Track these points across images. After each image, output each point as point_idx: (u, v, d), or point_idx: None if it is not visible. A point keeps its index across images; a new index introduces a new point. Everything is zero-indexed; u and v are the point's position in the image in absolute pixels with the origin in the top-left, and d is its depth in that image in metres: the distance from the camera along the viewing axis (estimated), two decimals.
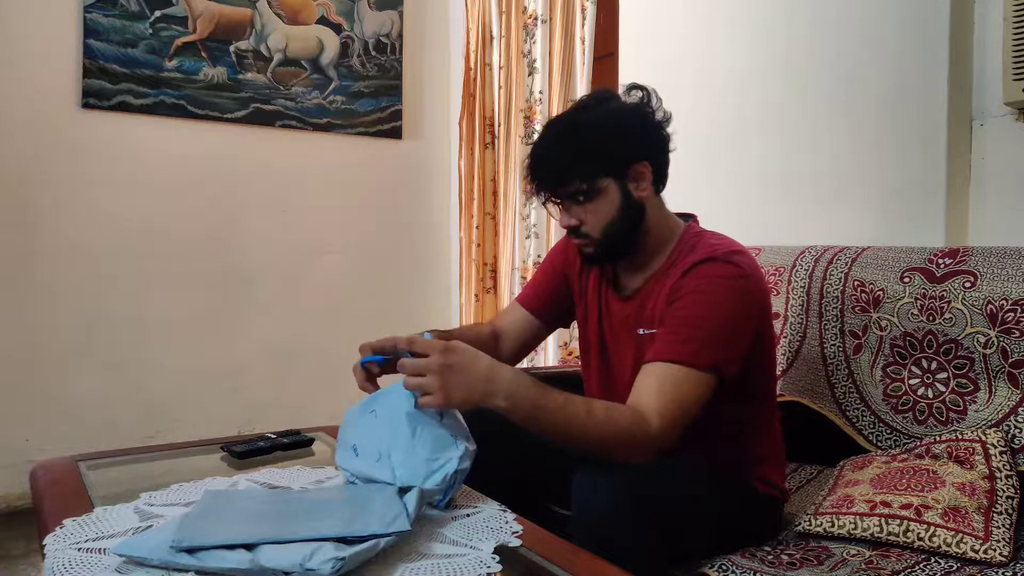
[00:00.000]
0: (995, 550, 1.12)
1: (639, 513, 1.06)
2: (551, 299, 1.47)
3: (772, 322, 1.35)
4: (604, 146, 1.23)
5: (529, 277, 2.82)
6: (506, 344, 1.48)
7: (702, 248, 1.25)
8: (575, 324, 1.51)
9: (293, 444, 1.43)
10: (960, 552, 1.13)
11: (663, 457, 1.13)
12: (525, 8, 2.89)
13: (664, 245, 1.30)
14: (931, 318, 1.39)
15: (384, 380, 1.19)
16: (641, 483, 1.09)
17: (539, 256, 2.79)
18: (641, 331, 1.28)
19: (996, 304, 1.31)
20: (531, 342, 1.51)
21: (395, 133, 3.35)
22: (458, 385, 1.05)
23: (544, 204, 1.31)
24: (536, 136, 1.31)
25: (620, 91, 1.30)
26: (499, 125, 3.04)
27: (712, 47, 2.21)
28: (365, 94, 3.27)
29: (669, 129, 1.30)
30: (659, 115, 1.28)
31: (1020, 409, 1.28)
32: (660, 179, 1.30)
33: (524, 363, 2.68)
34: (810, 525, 1.28)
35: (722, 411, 1.19)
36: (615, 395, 1.35)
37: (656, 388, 1.13)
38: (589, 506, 1.07)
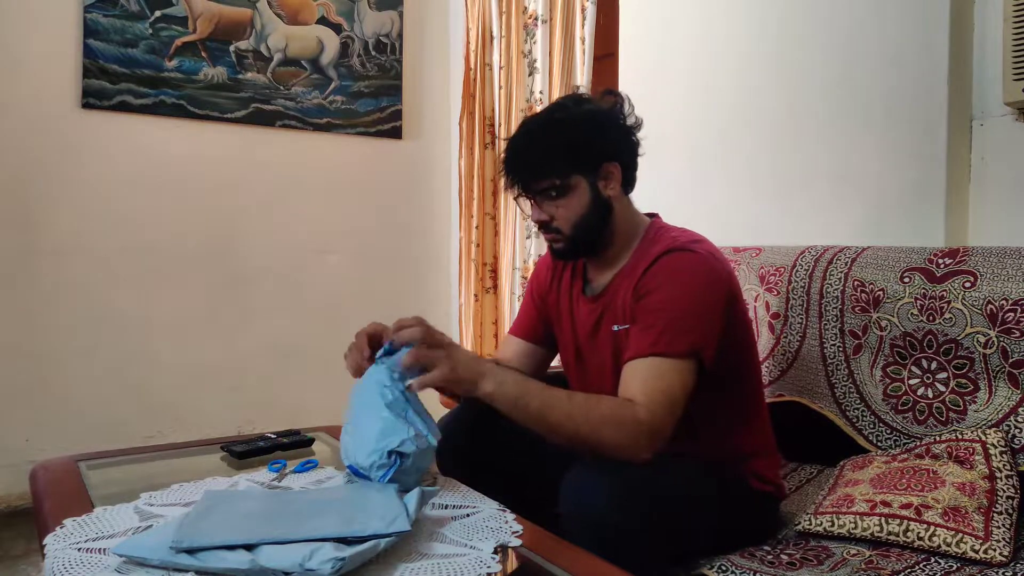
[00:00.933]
0: (995, 550, 1.12)
1: (628, 511, 1.06)
2: (536, 321, 1.49)
3: (744, 307, 1.36)
4: (578, 145, 1.27)
5: (529, 277, 2.83)
6: None
7: (663, 241, 1.28)
8: None
9: (293, 444, 1.43)
10: (960, 552, 1.13)
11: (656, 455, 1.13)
12: (525, 8, 2.89)
13: (630, 242, 1.34)
14: (931, 318, 1.39)
15: None
16: (631, 481, 1.09)
17: (539, 256, 2.79)
18: (615, 327, 1.30)
19: (996, 304, 1.31)
20: (535, 369, 1.50)
21: (395, 133, 3.35)
22: (461, 361, 1.13)
23: (516, 199, 1.35)
24: (511, 137, 1.34)
25: (595, 95, 1.36)
26: (499, 125, 3.04)
27: (712, 47, 2.20)
28: (365, 94, 3.27)
29: (640, 134, 1.35)
30: (630, 120, 1.33)
31: (1020, 409, 1.28)
32: (628, 180, 1.35)
33: None
34: (810, 525, 1.28)
35: (705, 403, 1.20)
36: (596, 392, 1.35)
37: (639, 384, 1.15)
38: (577, 503, 1.08)
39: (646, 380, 1.15)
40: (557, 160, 1.27)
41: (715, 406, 1.26)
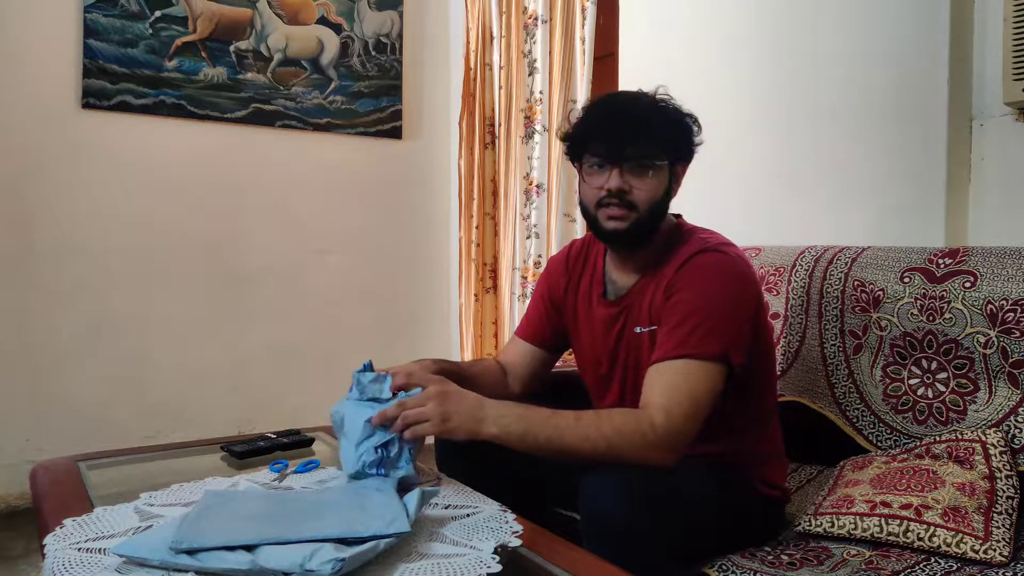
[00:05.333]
0: (995, 550, 1.12)
1: (650, 514, 1.05)
2: (546, 326, 1.48)
3: (767, 314, 1.35)
4: (682, 136, 1.28)
5: (529, 277, 2.83)
6: (513, 376, 1.49)
7: (693, 242, 1.27)
8: None
9: (293, 444, 1.43)
10: (960, 552, 1.13)
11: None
12: (525, 8, 2.89)
13: (660, 243, 1.31)
14: (931, 318, 1.39)
15: None
16: (649, 484, 1.08)
17: (539, 256, 2.79)
18: (638, 329, 1.28)
19: (996, 304, 1.31)
20: (540, 371, 1.50)
21: (395, 133, 3.35)
22: (454, 411, 1.12)
23: (573, 160, 1.31)
24: (606, 96, 1.32)
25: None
26: (499, 125, 3.04)
27: (713, 47, 2.20)
28: (365, 94, 3.27)
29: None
30: (698, 139, 1.33)
31: (1020, 409, 1.28)
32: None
33: None
34: (810, 525, 1.28)
35: (724, 407, 1.20)
36: (619, 399, 1.35)
37: (662, 386, 1.14)
38: (600, 508, 1.06)
39: (668, 383, 1.14)
40: (669, 139, 1.26)
41: (733, 411, 1.25)
